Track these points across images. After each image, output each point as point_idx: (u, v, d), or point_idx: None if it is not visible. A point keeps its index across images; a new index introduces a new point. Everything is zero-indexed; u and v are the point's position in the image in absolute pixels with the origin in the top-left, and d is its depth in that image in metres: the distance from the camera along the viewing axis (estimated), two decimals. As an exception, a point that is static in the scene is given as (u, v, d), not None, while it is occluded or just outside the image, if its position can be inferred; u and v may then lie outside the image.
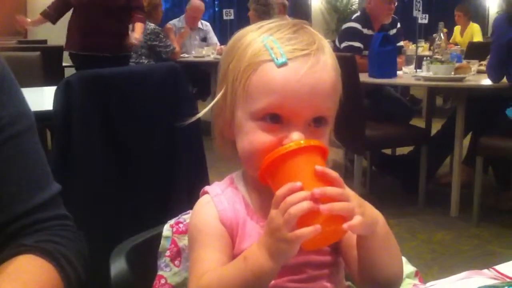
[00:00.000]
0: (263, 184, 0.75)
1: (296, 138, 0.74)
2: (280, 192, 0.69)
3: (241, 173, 0.86)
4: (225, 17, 6.56)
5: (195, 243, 0.81)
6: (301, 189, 0.68)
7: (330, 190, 0.68)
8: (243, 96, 0.78)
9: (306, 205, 0.66)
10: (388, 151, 4.52)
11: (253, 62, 0.77)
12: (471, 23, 8.07)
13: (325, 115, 0.78)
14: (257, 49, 0.77)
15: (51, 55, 4.74)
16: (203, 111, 0.90)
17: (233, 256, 0.79)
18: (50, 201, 0.92)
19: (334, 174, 0.70)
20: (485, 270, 0.94)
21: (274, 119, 0.75)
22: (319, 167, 0.70)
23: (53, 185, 0.94)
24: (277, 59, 0.75)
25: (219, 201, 0.82)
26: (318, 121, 0.77)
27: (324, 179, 0.70)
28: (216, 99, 0.83)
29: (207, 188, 0.86)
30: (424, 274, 1.01)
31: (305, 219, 0.67)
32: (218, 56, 5.74)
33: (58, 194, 0.94)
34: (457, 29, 8.18)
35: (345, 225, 0.67)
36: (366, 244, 0.76)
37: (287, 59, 0.75)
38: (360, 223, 0.69)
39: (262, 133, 0.76)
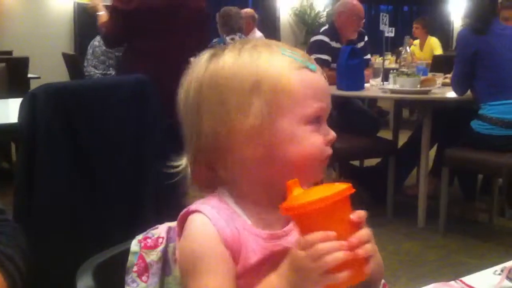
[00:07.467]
0: (262, 199, 0.80)
1: (333, 135, 0.82)
2: (312, 237, 0.70)
3: (225, 190, 0.84)
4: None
5: (195, 271, 0.77)
6: (335, 238, 0.70)
7: (363, 236, 0.72)
8: (289, 105, 0.79)
9: (341, 255, 0.69)
10: (356, 163, 4.56)
11: (291, 70, 0.80)
12: (429, 36, 8.03)
13: None
14: (284, 60, 0.81)
15: (16, 66, 4.67)
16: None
17: (237, 276, 0.77)
18: None
19: (362, 215, 0.74)
20: (452, 282, 0.95)
21: (318, 120, 0.81)
22: (354, 217, 0.72)
23: None
24: (310, 65, 0.82)
25: (218, 220, 0.79)
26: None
27: (354, 224, 0.73)
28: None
29: (198, 207, 0.81)
30: (392, 285, 1.02)
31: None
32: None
33: None
34: (416, 43, 8.03)
35: (367, 270, 0.72)
36: None
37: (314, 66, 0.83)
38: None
39: (314, 135, 0.80)
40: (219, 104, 0.80)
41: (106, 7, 3.33)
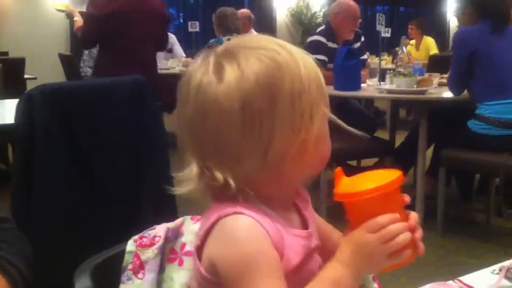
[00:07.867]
0: (284, 198, 0.81)
1: None
2: (383, 220, 0.75)
3: (246, 194, 0.75)
4: (190, 29, 6.55)
5: (249, 276, 0.70)
6: (399, 220, 0.75)
7: (417, 217, 0.79)
8: (327, 103, 0.81)
9: (408, 235, 0.76)
10: (353, 163, 4.55)
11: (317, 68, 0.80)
12: (424, 36, 8.09)
13: None
14: (310, 59, 0.81)
15: (12, 67, 4.67)
16: None
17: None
18: None
19: (409, 197, 0.80)
20: (450, 282, 0.95)
21: None
22: (407, 199, 0.79)
23: None
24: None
25: (263, 221, 0.73)
26: None
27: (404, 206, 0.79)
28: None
29: (242, 209, 0.73)
30: (392, 285, 1.01)
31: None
32: (184, 68, 5.69)
33: None
34: (412, 43, 8.10)
35: (421, 248, 0.78)
36: None
37: None
38: None
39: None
40: (292, 107, 0.74)
41: (81, 13, 3.92)
